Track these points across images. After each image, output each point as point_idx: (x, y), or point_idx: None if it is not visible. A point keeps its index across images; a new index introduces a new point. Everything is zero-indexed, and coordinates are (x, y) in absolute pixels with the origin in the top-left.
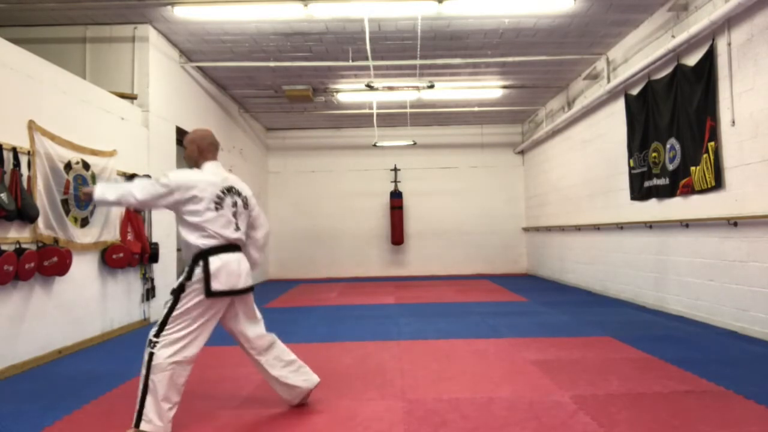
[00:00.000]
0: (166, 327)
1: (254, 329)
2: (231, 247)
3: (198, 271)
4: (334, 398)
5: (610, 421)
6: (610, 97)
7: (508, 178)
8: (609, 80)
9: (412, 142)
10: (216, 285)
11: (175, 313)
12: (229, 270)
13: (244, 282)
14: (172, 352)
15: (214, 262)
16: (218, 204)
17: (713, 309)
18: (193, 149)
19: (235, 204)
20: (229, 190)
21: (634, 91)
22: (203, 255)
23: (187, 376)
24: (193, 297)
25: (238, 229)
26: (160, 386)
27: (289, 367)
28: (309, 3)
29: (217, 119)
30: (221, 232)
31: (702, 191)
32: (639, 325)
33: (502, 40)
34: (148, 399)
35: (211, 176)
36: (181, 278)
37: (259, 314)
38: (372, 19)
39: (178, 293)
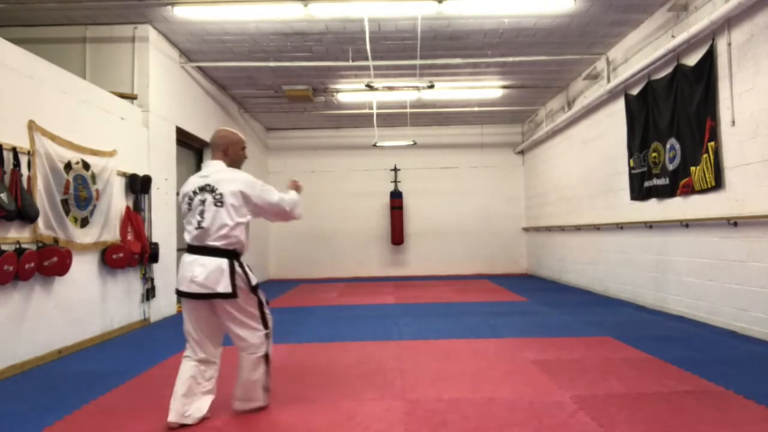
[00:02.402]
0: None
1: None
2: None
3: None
4: (334, 398)
5: (610, 421)
6: (610, 97)
7: (508, 178)
8: (609, 80)
9: (412, 142)
10: (179, 286)
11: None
12: (182, 273)
13: (192, 287)
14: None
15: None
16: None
17: (713, 309)
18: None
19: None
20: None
21: (634, 91)
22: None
23: None
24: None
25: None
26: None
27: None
28: (309, 3)
29: (217, 119)
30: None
31: (702, 191)
32: (639, 325)
33: (502, 40)
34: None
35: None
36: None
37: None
38: (372, 19)
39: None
